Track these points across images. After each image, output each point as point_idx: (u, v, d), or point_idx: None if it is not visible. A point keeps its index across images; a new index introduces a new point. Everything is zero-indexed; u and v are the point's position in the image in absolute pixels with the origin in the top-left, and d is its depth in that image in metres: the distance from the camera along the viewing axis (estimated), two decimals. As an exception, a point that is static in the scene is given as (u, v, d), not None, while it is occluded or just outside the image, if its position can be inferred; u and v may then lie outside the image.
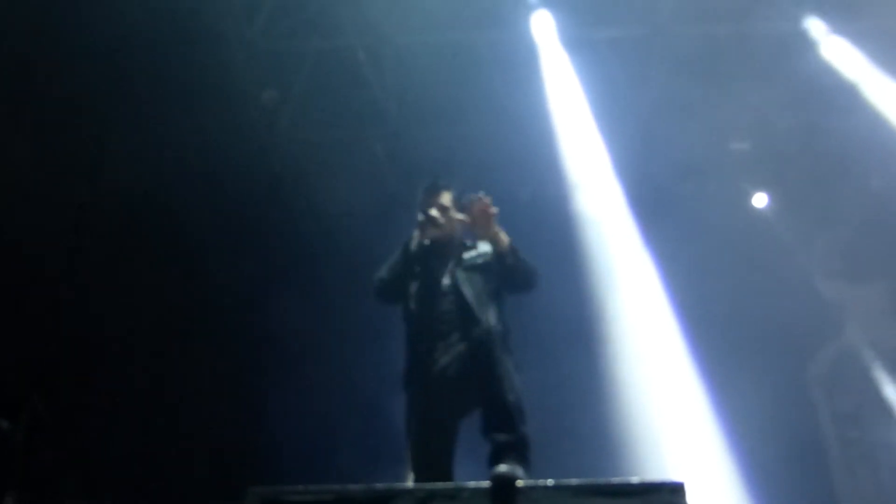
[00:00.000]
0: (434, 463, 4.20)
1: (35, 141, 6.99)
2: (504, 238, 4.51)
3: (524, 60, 8.97)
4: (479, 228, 4.54)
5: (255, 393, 8.76)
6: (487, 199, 4.49)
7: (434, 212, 4.63)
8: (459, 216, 4.68)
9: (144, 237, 8.07)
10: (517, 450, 3.77)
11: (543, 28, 8.77)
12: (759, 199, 10.47)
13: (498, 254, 4.51)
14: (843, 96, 8.94)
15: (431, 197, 4.73)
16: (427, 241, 4.58)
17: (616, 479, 3.63)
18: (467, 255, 4.69)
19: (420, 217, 4.61)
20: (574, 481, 3.53)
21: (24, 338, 6.94)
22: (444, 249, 4.67)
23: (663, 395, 9.49)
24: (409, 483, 4.11)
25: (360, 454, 8.45)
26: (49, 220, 7.24)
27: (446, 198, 4.74)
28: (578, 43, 8.89)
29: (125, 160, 7.96)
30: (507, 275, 4.53)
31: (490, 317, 4.34)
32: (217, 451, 8.07)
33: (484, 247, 4.72)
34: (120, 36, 7.49)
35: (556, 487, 3.50)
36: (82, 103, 7.40)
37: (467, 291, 4.43)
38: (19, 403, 6.61)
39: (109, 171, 7.87)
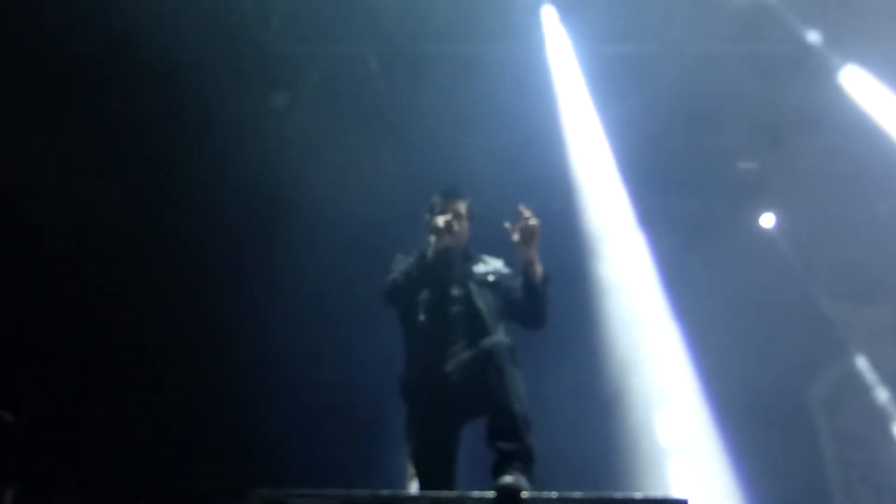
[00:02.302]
0: (437, 469, 4.19)
1: (46, 138, 7.02)
2: (540, 266, 4.46)
3: (535, 74, 8.98)
4: (522, 244, 4.43)
5: (256, 393, 8.74)
6: (530, 213, 4.40)
7: (452, 219, 4.61)
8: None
9: (150, 237, 8.08)
10: (522, 460, 3.74)
11: (556, 42, 8.78)
12: (766, 219, 10.48)
13: (528, 277, 4.45)
14: (852, 118, 8.95)
15: (449, 203, 4.68)
16: (443, 249, 4.53)
17: (619, 494, 3.62)
18: (477, 268, 4.66)
19: (440, 223, 4.55)
20: (578, 494, 3.52)
21: (26, 332, 6.95)
22: (451, 259, 4.63)
23: (666, 410, 9.48)
24: (413, 489, 4.11)
25: (363, 458, 8.46)
26: (57, 217, 7.26)
27: (462, 206, 4.70)
28: (590, 57, 8.90)
29: (134, 160, 7.99)
30: (526, 302, 4.51)
31: (500, 331, 4.33)
32: (216, 451, 8.06)
33: (494, 262, 4.70)
34: (132, 36, 7.52)
35: (559, 500, 3.50)
36: (92, 101, 7.42)
37: (481, 304, 4.42)
38: (20, 398, 6.62)
39: (118, 169, 7.90)
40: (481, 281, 4.58)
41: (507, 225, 4.47)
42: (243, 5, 8.48)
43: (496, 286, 4.59)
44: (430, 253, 4.47)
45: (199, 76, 8.03)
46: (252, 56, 8.72)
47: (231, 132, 8.70)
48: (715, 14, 8.61)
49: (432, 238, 4.52)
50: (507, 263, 4.74)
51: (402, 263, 4.60)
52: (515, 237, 4.43)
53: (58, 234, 7.31)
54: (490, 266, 4.69)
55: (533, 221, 4.38)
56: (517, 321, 4.61)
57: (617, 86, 9.14)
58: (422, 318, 4.48)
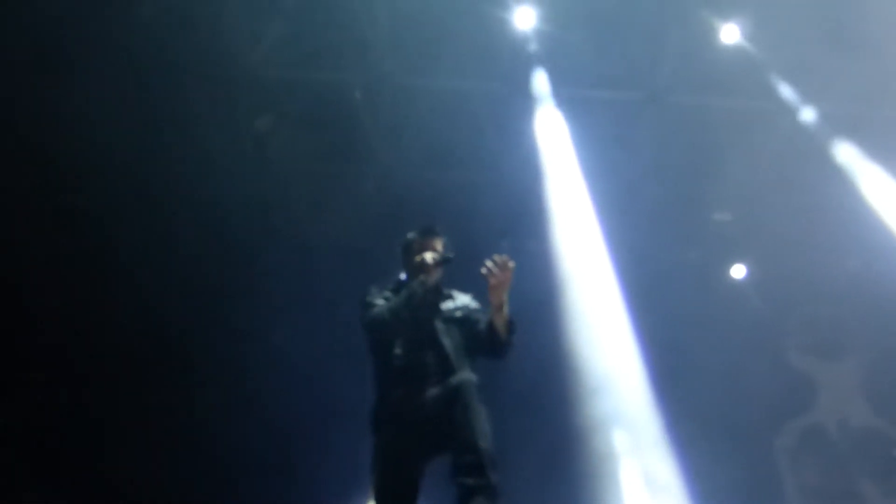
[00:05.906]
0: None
1: (20, 148, 7.01)
2: (506, 311, 4.40)
3: (518, 114, 9.07)
4: (498, 288, 4.33)
5: (230, 408, 8.68)
6: (506, 259, 4.34)
7: (437, 256, 4.57)
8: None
9: (129, 253, 8.05)
10: (486, 495, 3.74)
11: (541, 84, 8.87)
12: (738, 271, 10.60)
13: (494, 322, 4.40)
14: (827, 177, 9.11)
15: (427, 241, 4.65)
16: (432, 287, 4.49)
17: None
18: (445, 305, 4.62)
19: (429, 259, 4.52)
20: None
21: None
22: (427, 297, 4.57)
23: (633, 456, 9.49)
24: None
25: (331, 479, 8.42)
26: (27, 231, 7.23)
27: (439, 244, 4.66)
28: (574, 101, 9.01)
29: (110, 170, 7.95)
30: (489, 342, 4.47)
31: (466, 368, 4.32)
32: (181, 469, 7.98)
33: (462, 298, 4.69)
34: (122, 52, 7.54)
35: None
36: (77, 115, 7.42)
37: (446, 343, 4.38)
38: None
39: (92, 183, 7.86)
40: (448, 318, 4.55)
41: (487, 265, 4.37)
42: (236, 27, 8.48)
43: (463, 322, 4.56)
44: (419, 290, 4.43)
45: (182, 94, 8.06)
46: (238, 78, 8.73)
47: (212, 154, 8.70)
48: (702, 67, 8.77)
49: (422, 276, 4.48)
50: (476, 297, 4.72)
51: (377, 296, 4.58)
52: (493, 281, 4.35)
53: (27, 244, 7.28)
54: (458, 302, 4.67)
55: (510, 265, 4.33)
56: (479, 354, 4.56)
57: (598, 131, 9.24)
58: (398, 352, 4.41)
